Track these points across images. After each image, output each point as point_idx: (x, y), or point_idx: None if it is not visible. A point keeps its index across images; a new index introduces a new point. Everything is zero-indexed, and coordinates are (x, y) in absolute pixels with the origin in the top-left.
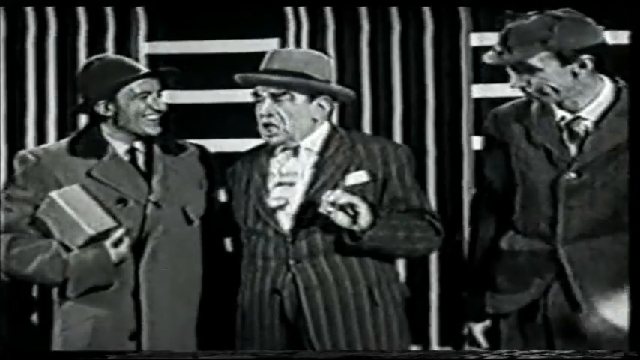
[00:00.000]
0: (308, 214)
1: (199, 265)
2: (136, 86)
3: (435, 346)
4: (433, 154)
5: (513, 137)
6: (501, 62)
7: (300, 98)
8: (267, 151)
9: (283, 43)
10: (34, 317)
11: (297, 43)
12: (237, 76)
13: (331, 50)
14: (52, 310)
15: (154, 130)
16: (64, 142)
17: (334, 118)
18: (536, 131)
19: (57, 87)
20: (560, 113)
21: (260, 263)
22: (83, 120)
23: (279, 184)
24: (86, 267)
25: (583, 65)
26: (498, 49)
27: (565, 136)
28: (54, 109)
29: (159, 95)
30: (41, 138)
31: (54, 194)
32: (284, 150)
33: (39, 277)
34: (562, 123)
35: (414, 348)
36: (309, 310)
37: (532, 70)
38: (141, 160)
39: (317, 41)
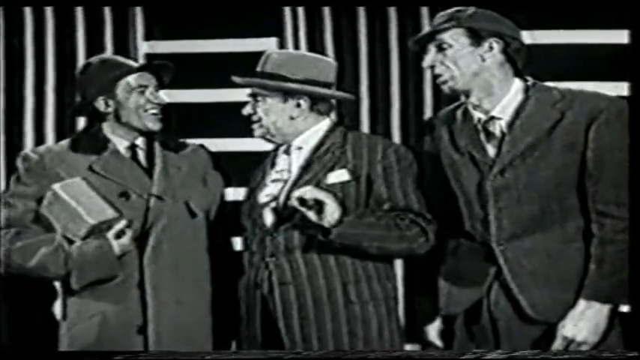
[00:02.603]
0: (287, 210)
1: (205, 258)
2: (132, 80)
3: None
4: None
5: (442, 144)
6: (421, 35)
7: (271, 98)
8: (274, 150)
9: (282, 43)
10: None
11: (296, 43)
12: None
13: (329, 50)
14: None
15: (155, 125)
16: (66, 141)
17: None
18: (459, 136)
19: (55, 87)
20: (476, 115)
21: (248, 258)
22: (82, 120)
23: (273, 180)
24: (88, 258)
25: (491, 48)
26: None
27: (482, 137)
28: (52, 108)
29: (156, 89)
30: (39, 137)
31: (56, 186)
32: (282, 148)
33: (41, 271)
34: (479, 125)
35: (414, 347)
36: (280, 305)
37: (443, 46)
38: (141, 155)
39: (315, 41)
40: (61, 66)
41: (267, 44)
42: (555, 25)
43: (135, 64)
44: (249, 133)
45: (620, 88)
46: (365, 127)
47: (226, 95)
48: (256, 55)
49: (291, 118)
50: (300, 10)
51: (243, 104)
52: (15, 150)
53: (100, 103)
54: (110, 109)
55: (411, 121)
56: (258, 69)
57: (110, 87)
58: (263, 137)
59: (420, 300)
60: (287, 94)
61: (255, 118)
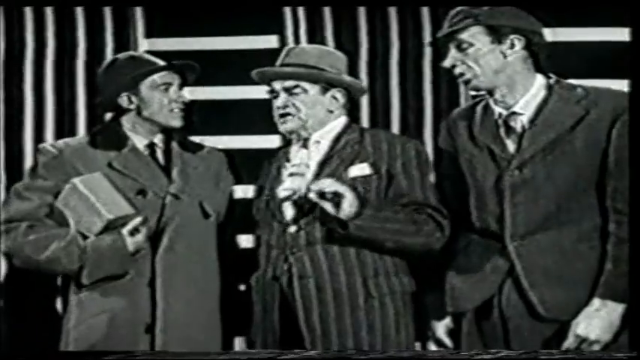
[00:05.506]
0: (307, 204)
1: (215, 259)
2: (158, 78)
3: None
4: (431, 150)
5: (460, 140)
6: (439, 35)
7: (313, 90)
8: (285, 145)
9: (283, 41)
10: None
11: (297, 41)
12: (253, 72)
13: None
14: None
15: (178, 122)
16: (85, 136)
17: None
18: (478, 131)
19: (55, 87)
20: (497, 110)
21: (265, 252)
22: (82, 120)
23: (291, 174)
24: (102, 253)
25: (512, 45)
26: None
27: (502, 132)
28: (52, 108)
29: (180, 88)
30: (39, 137)
31: (76, 180)
32: (297, 142)
33: (52, 265)
34: (500, 120)
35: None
36: (300, 299)
37: (464, 46)
38: (159, 154)
39: (316, 40)
40: (61, 66)
41: (267, 42)
42: (554, 23)
43: (161, 63)
44: (248, 131)
45: (620, 87)
46: (365, 125)
47: (227, 93)
48: (257, 53)
49: (330, 112)
50: (301, 9)
51: (244, 102)
52: (13, 149)
53: (123, 100)
54: (132, 106)
55: (410, 120)
56: (278, 62)
57: (135, 84)
58: (292, 132)
59: (429, 297)
60: (327, 87)
61: (289, 111)
